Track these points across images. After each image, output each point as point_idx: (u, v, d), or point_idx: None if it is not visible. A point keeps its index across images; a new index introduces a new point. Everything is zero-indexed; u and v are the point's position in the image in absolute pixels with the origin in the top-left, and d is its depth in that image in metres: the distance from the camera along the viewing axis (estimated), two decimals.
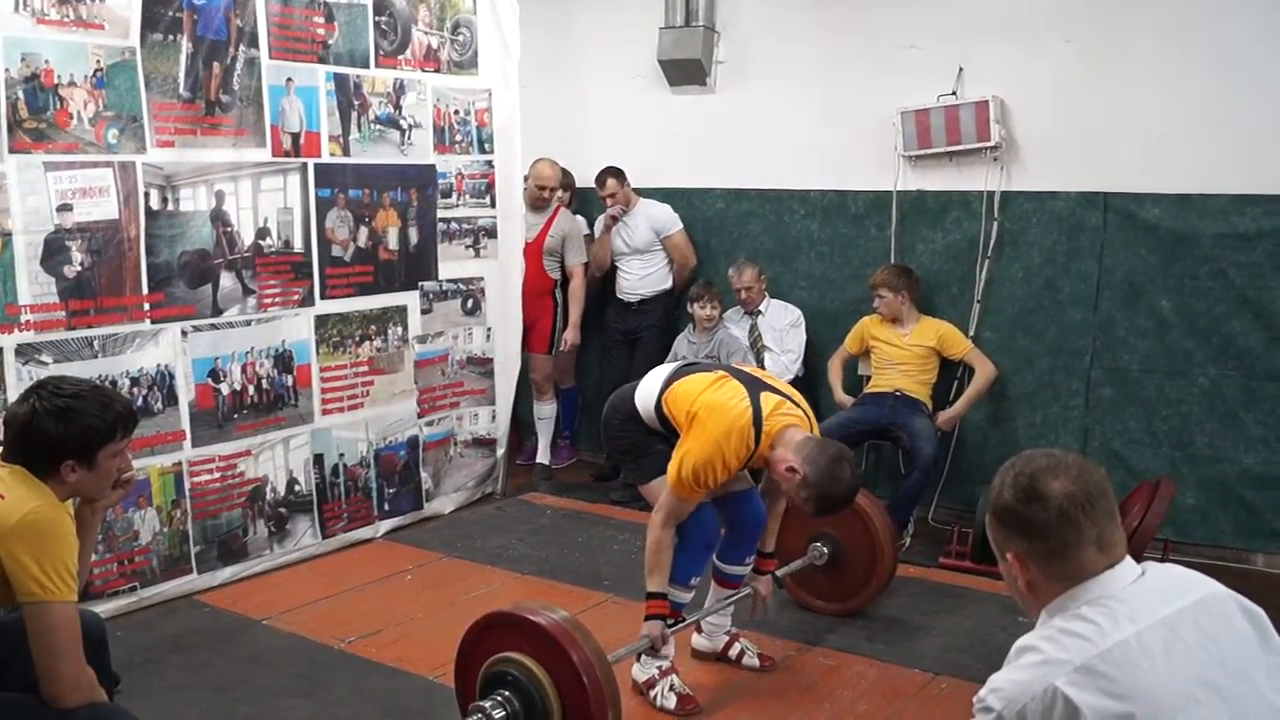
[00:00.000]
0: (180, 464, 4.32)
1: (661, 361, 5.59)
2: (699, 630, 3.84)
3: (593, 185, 6.04)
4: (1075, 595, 1.74)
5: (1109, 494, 1.78)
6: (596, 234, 6.12)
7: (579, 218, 6.19)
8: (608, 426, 3.76)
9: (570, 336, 6.05)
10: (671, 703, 3.48)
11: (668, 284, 6.04)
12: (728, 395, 3.35)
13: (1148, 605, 1.72)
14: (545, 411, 6.20)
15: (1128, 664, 1.65)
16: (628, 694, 3.37)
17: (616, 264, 6.10)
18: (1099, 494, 1.77)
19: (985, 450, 5.30)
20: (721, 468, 3.28)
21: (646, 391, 3.60)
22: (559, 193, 6.04)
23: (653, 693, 3.52)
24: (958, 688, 3.59)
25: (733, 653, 3.83)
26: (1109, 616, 1.70)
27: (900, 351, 5.24)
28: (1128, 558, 1.79)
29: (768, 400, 3.35)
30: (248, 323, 4.54)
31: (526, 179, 5.85)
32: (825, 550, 4.15)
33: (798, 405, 3.44)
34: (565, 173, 6.15)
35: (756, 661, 3.81)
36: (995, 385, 5.27)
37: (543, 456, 6.23)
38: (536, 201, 5.89)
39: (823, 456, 3.22)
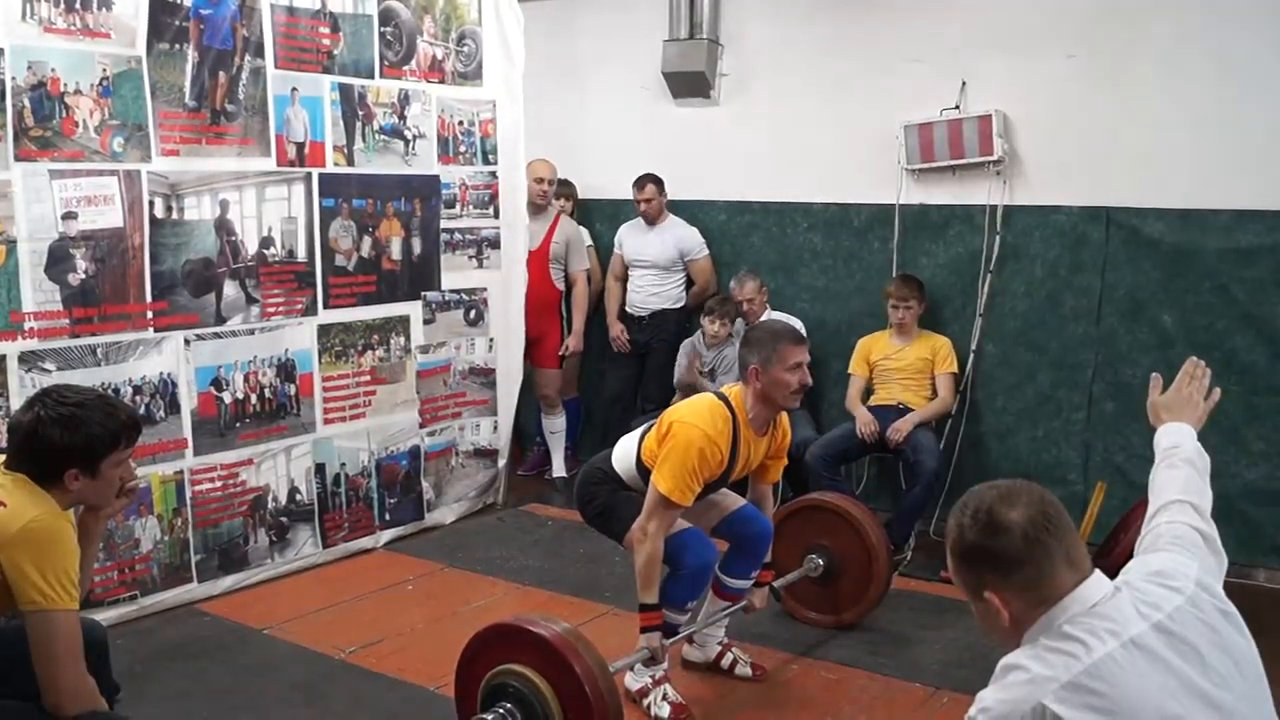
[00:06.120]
0: (182, 472, 4.32)
1: (670, 374, 5.67)
2: (690, 641, 3.84)
3: (595, 196, 6.01)
4: (1054, 615, 1.75)
5: (1062, 510, 1.81)
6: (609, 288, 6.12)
7: (582, 228, 6.20)
8: (583, 492, 3.69)
9: (574, 344, 6.04)
10: (665, 711, 3.49)
11: (682, 301, 6.01)
12: (690, 401, 3.58)
13: (1127, 619, 1.72)
14: (556, 425, 6.17)
15: (1113, 678, 1.65)
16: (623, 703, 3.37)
17: (631, 276, 6.07)
18: (1055, 512, 1.79)
19: (987, 464, 5.29)
20: (714, 450, 3.37)
21: (624, 452, 3.64)
22: (558, 201, 6.04)
23: (645, 701, 3.53)
24: (959, 702, 3.54)
25: (725, 662, 3.83)
26: (1091, 632, 1.70)
27: (902, 365, 5.25)
28: (1096, 570, 1.80)
29: (727, 389, 3.57)
30: (251, 331, 4.54)
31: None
32: (820, 563, 4.15)
33: None
34: (566, 183, 6.15)
35: (749, 671, 3.81)
36: (997, 399, 5.30)
37: (558, 470, 6.19)
38: (536, 198, 5.85)
39: (749, 336, 3.57)
